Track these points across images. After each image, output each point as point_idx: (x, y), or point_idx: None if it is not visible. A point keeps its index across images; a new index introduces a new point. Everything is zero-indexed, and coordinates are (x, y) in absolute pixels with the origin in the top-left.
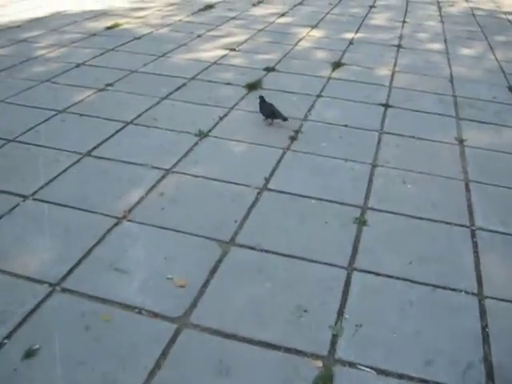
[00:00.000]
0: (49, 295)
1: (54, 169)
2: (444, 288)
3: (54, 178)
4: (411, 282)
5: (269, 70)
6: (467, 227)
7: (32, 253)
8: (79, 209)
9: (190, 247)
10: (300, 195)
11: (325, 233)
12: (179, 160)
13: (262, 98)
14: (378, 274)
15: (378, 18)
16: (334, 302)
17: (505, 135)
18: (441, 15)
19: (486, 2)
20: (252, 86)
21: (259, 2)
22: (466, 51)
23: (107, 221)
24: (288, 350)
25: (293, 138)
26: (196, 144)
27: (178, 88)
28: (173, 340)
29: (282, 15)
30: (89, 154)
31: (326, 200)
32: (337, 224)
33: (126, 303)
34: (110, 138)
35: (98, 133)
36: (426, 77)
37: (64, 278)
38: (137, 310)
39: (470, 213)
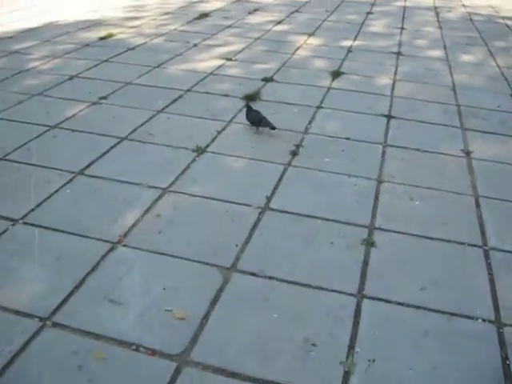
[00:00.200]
0: (39, 331)
1: (45, 189)
2: (459, 316)
3: (46, 199)
4: (425, 309)
5: (267, 80)
6: (480, 247)
7: (21, 283)
8: (71, 233)
9: (188, 274)
10: (304, 215)
11: (331, 256)
12: (176, 178)
13: (248, 107)
14: (388, 302)
15: (376, 25)
16: (344, 333)
17: None
18: (439, 21)
19: (483, 7)
20: (250, 98)
21: (255, 10)
22: (466, 58)
23: (101, 246)
24: None
25: (294, 153)
26: (193, 160)
27: (174, 100)
28: (173, 380)
29: (279, 23)
30: (81, 172)
31: (331, 220)
32: (343, 246)
33: (122, 339)
34: (103, 155)
35: (92, 150)
36: (427, 85)
37: (55, 311)
38: (133, 347)
39: (482, 232)
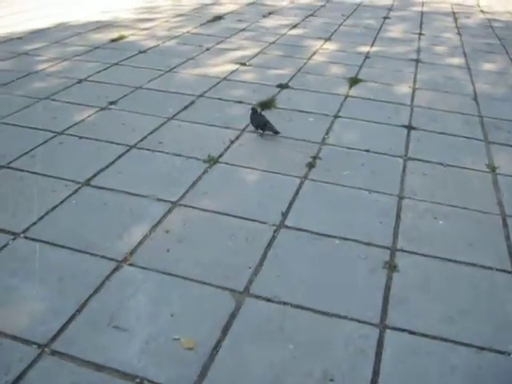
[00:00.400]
0: (37, 359)
1: (48, 201)
2: (490, 350)
3: (48, 211)
4: (452, 342)
5: (282, 86)
6: (509, 272)
7: (20, 304)
8: (75, 249)
9: (198, 298)
10: (322, 234)
11: (351, 280)
12: (186, 191)
13: (253, 110)
14: (413, 333)
15: (394, 30)
16: (366, 367)
17: None
18: (457, 27)
19: (502, 13)
20: (265, 105)
21: (269, 13)
22: (487, 66)
23: (106, 265)
24: None
25: (311, 165)
26: (205, 172)
27: (186, 107)
28: None
29: (294, 27)
30: (87, 183)
31: (351, 239)
32: (365, 269)
33: (125, 370)
34: (111, 164)
35: (99, 158)
36: (448, 94)
37: (55, 337)
38: (137, 380)
39: (511, 254)
